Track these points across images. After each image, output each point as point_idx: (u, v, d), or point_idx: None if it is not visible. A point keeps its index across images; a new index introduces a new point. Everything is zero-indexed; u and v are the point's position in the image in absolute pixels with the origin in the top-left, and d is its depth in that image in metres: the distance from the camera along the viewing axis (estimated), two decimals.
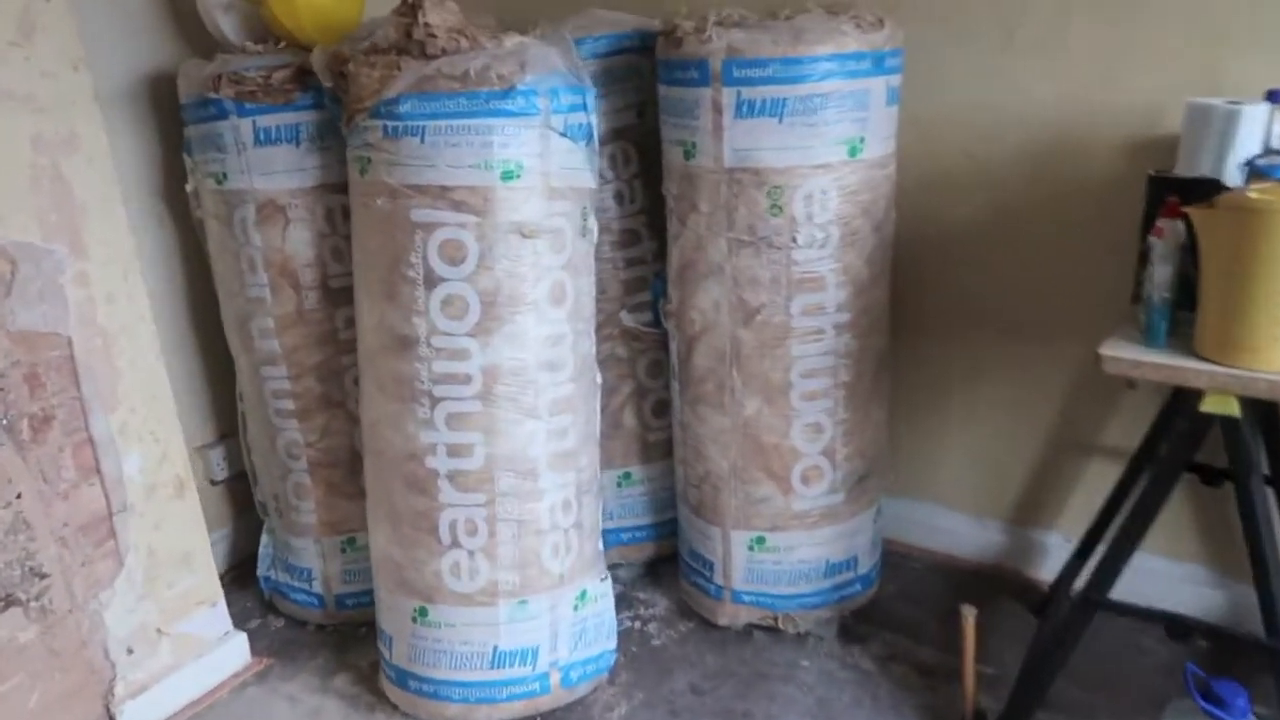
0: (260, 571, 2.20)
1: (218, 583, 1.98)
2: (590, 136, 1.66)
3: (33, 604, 1.66)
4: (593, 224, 1.74)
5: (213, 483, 2.30)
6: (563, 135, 1.59)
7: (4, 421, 1.58)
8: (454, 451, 1.66)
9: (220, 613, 1.98)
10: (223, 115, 1.84)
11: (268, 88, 1.79)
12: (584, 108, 1.61)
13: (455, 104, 1.54)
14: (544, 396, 1.67)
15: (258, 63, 1.81)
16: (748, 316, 1.76)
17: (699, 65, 1.64)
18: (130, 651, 1.83)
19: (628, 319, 2.03)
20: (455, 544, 1.69)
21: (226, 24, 1.90)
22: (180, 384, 2.19)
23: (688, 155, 1.73)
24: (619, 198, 2.00)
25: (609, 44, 1.90)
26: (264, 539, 2.20)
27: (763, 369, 1.79)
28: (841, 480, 1.88)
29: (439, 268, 1.60)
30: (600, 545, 1.89)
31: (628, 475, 2.17)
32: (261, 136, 1.84)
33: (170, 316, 2.17)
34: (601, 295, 1.96)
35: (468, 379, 1.63)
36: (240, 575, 2.29)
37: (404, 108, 1.57)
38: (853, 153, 1.66)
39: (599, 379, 1.82)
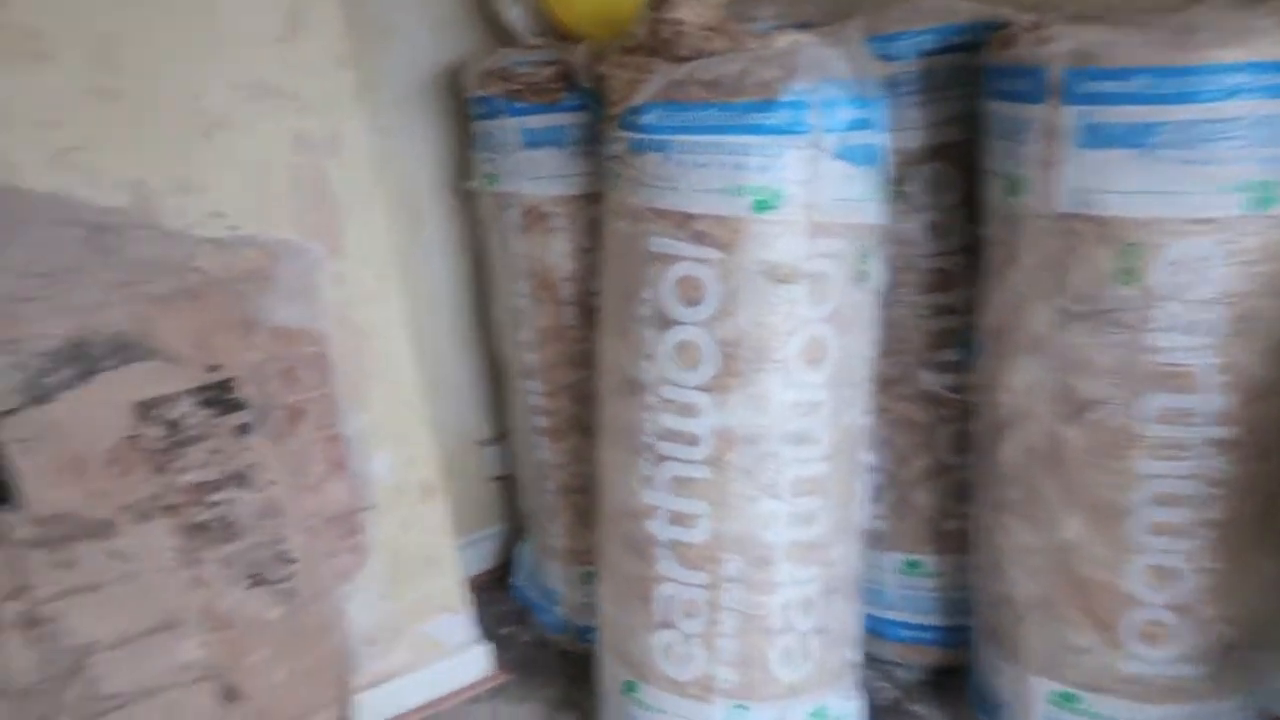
0: (514, 580, 2.16)
1: (462, 591, 1.94)
2: (876, 160, 1.30)
3: (280, 586, 1.72)
4: (875, 268, 1.37)
5: (493, 479, 2.30)
6: (837, 158, 1.25)
7: (260, 413, 1.63)
8: (676, 519, 1.43)
9: (462, 621, 1.95)
10: (495, 114, 1.73)
11: (534, 86, 1.64)
12: (869, 125, 1.26)
13: (705, 116, 1.26)
14: (786, 473, 1.37)
15: (528, 59, 1.66)
16: (1075, 411, 1.30)
17: (1031, 74, 1.20)
18: (371, 644, 1.86)
19: (929, 379, 1.63)
20: (670, 623, 1.47)
21: (515, 15, 1.77)
22: (463, 378, 2.20)
23: (1010, 191, 1.29)
24: (931, 231, 1.57)
25: (934, 39, 1.47)
26: (522, 547, 2.15)
27: (1092, 482, 1.32)
28: (1200, 648, 1.35)
29: (674, 308, 1.35)
30: (853, 655, 1.56)
31: (915, 564, 1.77)
32: (528, 138, 1.70)
33: (459, 309, 2.16)
34: (899, 347, 1.59)
35: (696, 440, 1.38)
36: (505, 575, 2.27)
37: (649, 118, 1.33)
38: (1260, 204, 1.12)
39: (868, 457, 1.48)
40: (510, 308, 1.87)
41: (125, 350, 1.48)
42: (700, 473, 1.38)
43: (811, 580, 1.44)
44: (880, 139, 1.29)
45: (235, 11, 1.44)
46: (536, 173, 1.71)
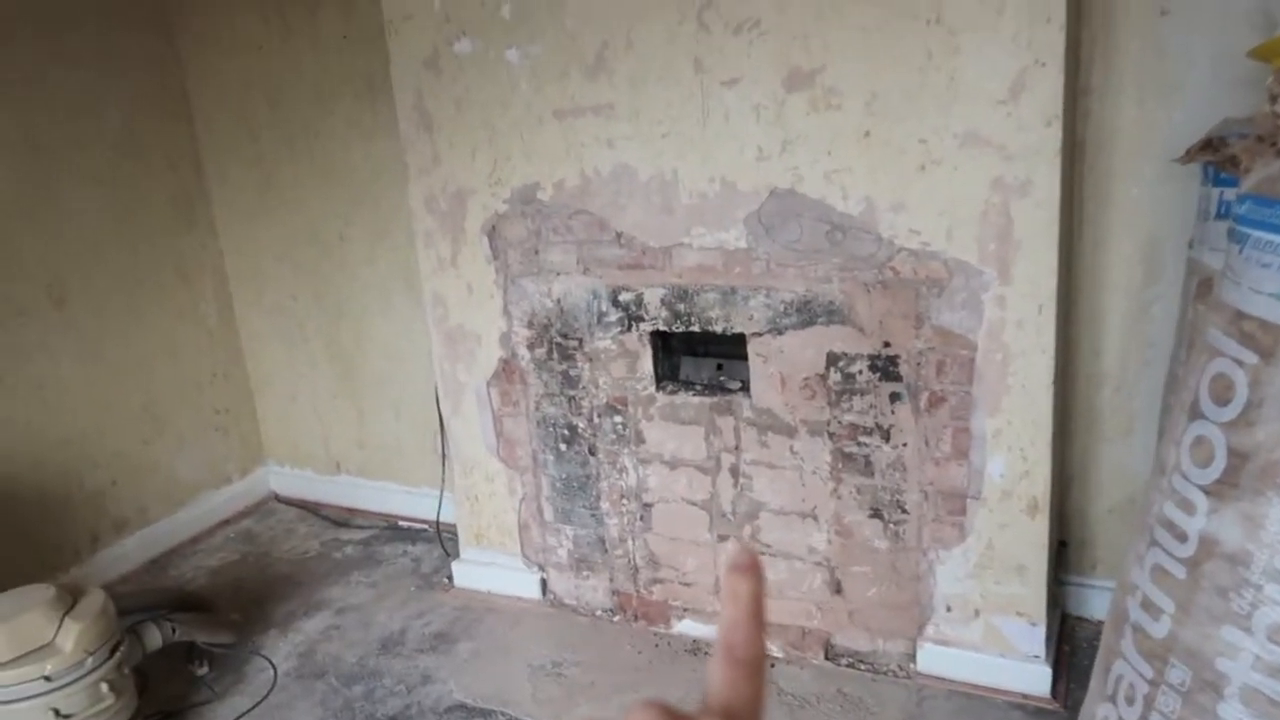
0: None
1: (1042, 607, 2.10)
2: None
3: (891, 525, 2.19)
4: None
5: None
6: None
7: (911, 389, 2.08)
8: (1146, 605, 1.43)
9: (1034, 634, 2.12)
10: (1205, 179, 1.77)
11: (1231, 159, 1.63)
12: None
13: (1276, 214, 1.22)
14: (1264, 613, 1.26)
15: (1241, 130, 1.65)
16: None
17: None
18: (948, 609, 2.19)
19: None
20: (1113, 698, 1.49)
21: None
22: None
23: None
24: None
25: None
26: None
27: None
28: None
29: (1204, 402, 1.34)
30: None
31: None
32: (1220, 208, 1.70)
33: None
34: None
35: (1184, 537, 1.35)
36: None
37: (1243, 208, 1.33)
38: None
39: None
40: (1172, 371, 1.90)
41: (833, 314, 2.11)
42: (1177, 570, 1.37)
43: None
44: None
45: (970, 79, 1.86)
46: (1217, 243, 1.72)
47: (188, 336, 3.32)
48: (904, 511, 2.17)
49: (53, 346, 2.88)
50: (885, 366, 2.09)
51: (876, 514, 2.20)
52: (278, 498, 3.62)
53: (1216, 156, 1.71)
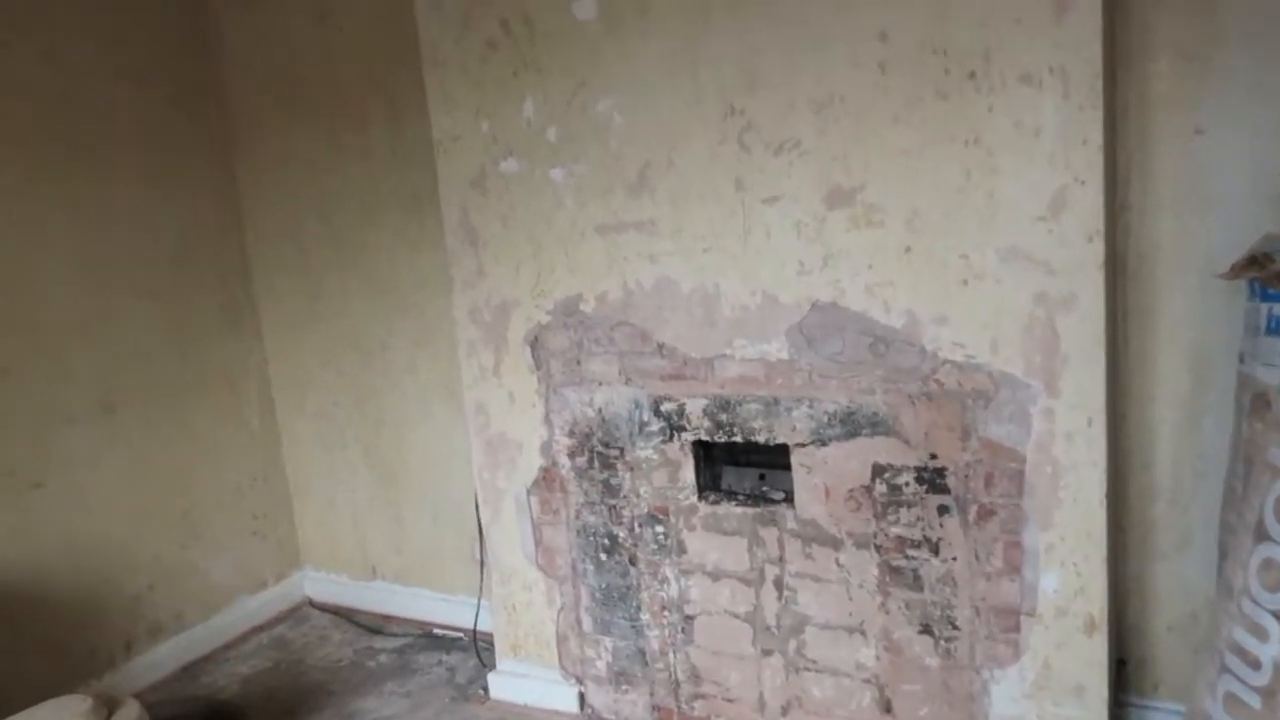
0: None
1: None
2: None
3: (941, 643, 2.15)
4: None
5: None
6: None
7: (960, 502, 2.06)
8: None
9: None
10: (1250, 295, 1.78)
11: (1276, 274, 1.65)
12: None
13: None
14: None
15: None
16: None
17: None
18: None
19: None
20: None
21: None
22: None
23: None
24: None
25: None
26: None
27: None
28: None
29: (1271, 524, 1.33)
30: None
31: None
32: (1271, 323, 1.71)
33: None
34: None
35: (1258, 664, 1.32)
36: None
37: None
38: None
39: None
40: (1229, 486, 1.87)
41: (877, 425, 2.11)
42: (1252, 700, 1.33)
43: None
44: None
45: (1010, 197, 1.90)
46: (1273, 359, 1.72)
47: (230, 442, 3.37)
48: (955, 627, 2.13)
49: (99, 453, 2.93)
50: (932, 478, 2.08)
51: (927, 630, 2.16)
52: (312, 603, 3.60)
53: (1263, 273, 1.73)
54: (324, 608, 3.56)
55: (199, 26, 3.24)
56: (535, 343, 2.50)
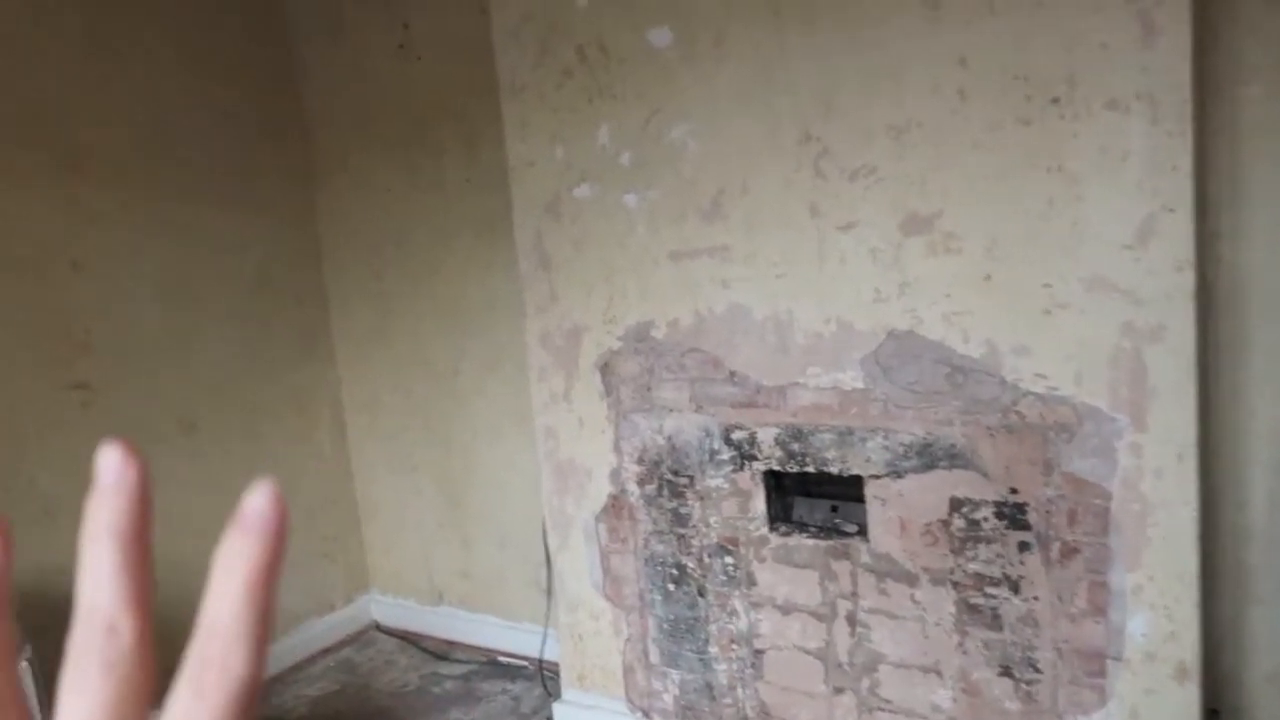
0: None
1: None
2: None
3: (1023, 685, 2.09)
4: None
5: None
6: None
7: (1041, 539, 2.02)
8: None
9: None
10: None
11: None
12: None
13: None
14: None
15: None
16: None
17: None
18: None
19: None
20: None
21: None
22: None
23: None
24: None
25: None
26: None
27: None
28: None
29: None
30: None
31: None
32: None
33: None
34: None
35: None
36: None
37: None
38: None
39: None
40: None
41: (955, 458, 2.08)
42: None
43: None
44: None
45: (1095, 225, 1.88)
46: None
47: (303, 464, 3.46)
48: (1037, 670, 2.07)
49: (180, 473, 3.03)
50: (1012, 514, 2.04)
51: (1006, 672, 2.10)
52: (379, 627, 3.66)
53: None
54: (390, 632, 3.62)
55: (286, 59, 3.39)
56: (606, 368, 2.52)
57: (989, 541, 2.08)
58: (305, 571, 3.46)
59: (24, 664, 2.09)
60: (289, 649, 3.38)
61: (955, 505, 2.10)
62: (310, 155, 3.44)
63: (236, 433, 3.22)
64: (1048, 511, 2.01)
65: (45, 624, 2.68)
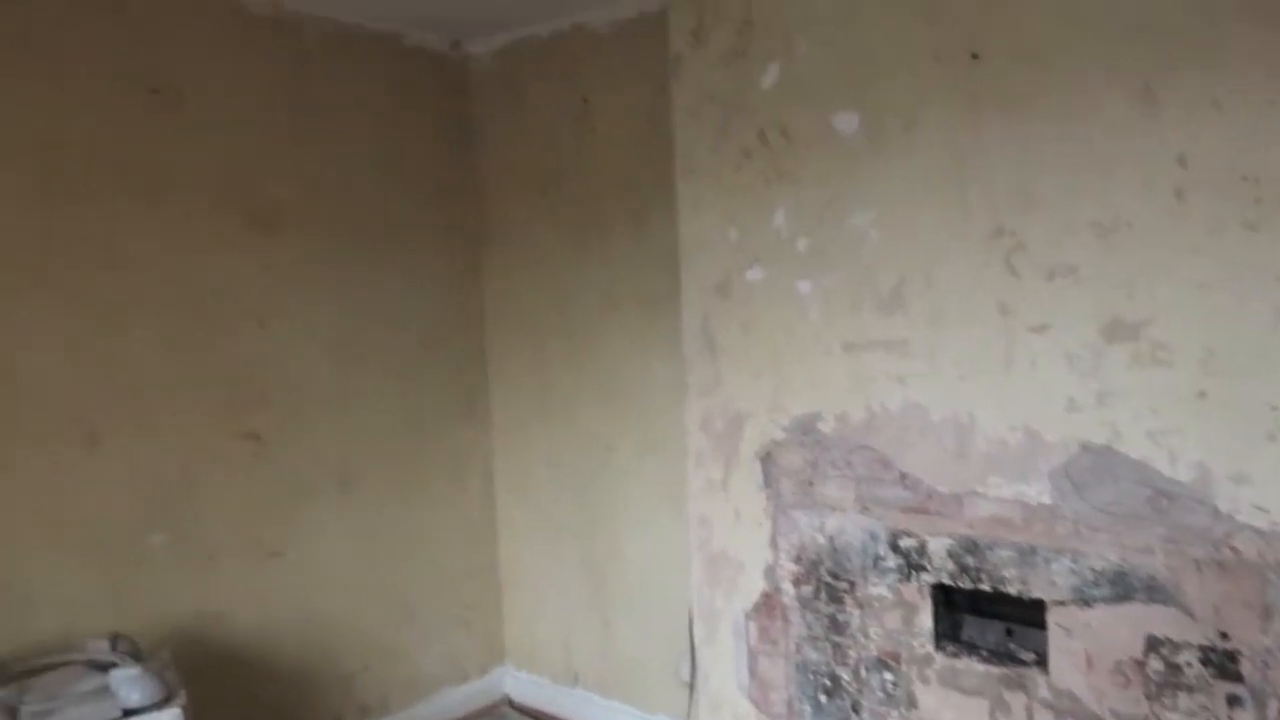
0: None
1: None
2: None
3: None
4: None
5: None
6: None
7: (1256, 694, 1.81)
8: None
9: None
10: None
11: None
12: None
13: None
14: None
15: None
16: None
17: None
18: None
19: None
20: None
21: None
22: None
23: None
24: None
25: None
26: None
27: None
28: None
29: None
30: None
31: None
32: None
33: None
34: None
35: None
36: None
37: None
38: None
39: None
40: None
41: (1154, 591, 1.91)
42: None
43: None
44: None
45: None
46: None
47: (450, 529, 3.53)
48: None
49: (333, 528, 3.14)
50: (1222, 662, 1.84)
51: None
52: (511, 703, 3.65)
53: None
54: (522, 709, 3.60)
55: (464, 126, 3.55)
56: (767, 459, 2.46)
57: (1191, 690, 1.88)
58: (443, 638, 3.50)
59: (178, 710, 2.17)
60: (423, 716, 3.41)
61: (1152, 644, 1.92)
62: (480, 220, 3.58)
63: (389, 492, 3.32)
64: (1265, 664, 1.81)
65: (200, 667, 2.79)
